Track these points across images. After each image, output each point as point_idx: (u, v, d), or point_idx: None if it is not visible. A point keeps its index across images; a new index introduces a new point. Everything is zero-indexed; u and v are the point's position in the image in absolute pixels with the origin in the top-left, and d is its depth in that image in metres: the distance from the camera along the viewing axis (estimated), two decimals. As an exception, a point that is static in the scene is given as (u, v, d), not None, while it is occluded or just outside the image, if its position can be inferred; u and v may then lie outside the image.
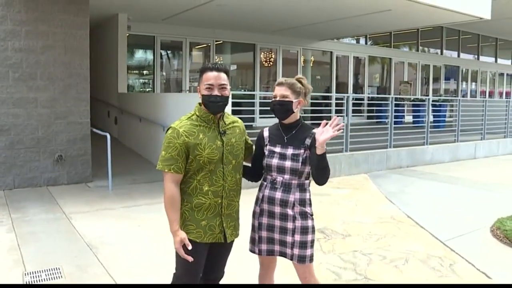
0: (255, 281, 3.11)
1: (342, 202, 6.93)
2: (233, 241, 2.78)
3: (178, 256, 2.61)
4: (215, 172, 2.58)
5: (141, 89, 13.48)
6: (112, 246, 4.81)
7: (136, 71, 13.48)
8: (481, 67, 22.09)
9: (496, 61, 22.67)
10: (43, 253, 4.58)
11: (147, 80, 13.55)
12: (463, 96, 20.78)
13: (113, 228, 5.41)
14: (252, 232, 2.92)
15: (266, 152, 2.85)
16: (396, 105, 11.57)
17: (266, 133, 2.92)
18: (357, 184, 8.28)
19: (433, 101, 14.00)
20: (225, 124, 2.68)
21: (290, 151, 2.78)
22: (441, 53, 19.96)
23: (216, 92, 2.56)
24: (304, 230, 2.78)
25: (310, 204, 2.84)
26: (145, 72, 13.57)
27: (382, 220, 6.00)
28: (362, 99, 15.62)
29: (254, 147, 2.98)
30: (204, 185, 2.58)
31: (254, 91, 14.07)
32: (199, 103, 2.66)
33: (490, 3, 11.32)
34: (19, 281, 3.93)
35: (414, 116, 14.29)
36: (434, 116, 14.38)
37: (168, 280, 2.73)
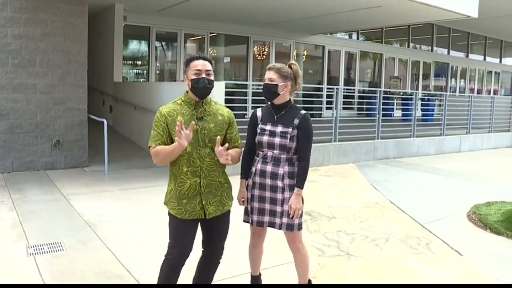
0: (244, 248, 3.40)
1: (329, 188, 7.24)
2: (227, 215, 3.01)
3: (169, 229, 2.92)
4: (192, 154, 2.81)
5: (136, 79, 13.68)
6: (110, 224, 5.08)
7: (131, 61, 13.68)
8: (470, 65, 22.48)
9: (485, 59, 23.07)
10: (44, 229, 4.84)
11: (142, 71, 13.75)
12: (452, 93, 21.15)
13: (111, 208, 5.68)
14: (246, 204, 3.22)
15: (258, 130, 3.16)
16: (385, 99, 11.90)
17: (259, 113, 3.24)
18: (345, 173, 8.60)
19: (421, 95, 14.34)
20: (205, 110, 2.89)
21: (279, 128, 3.09)
22: (432, 50, 20.31)
23: (203, 75, 2.83)
24: None
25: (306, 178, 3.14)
26: (140, 62, 13.77)
27: (366, 205, 6.31)
28: (353, 92, 15.92)
29: (248, 127, 3.27)
30: (184, 166, 2.83)
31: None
32: (186, 91, 2.93)
33: (477, 2, 11.64)
34: (23, 253, 4.18)
35: (403, 110, 14.63)
36: (423, 111, 14.75)
37: (162, 255, 2.96)
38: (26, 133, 7.41)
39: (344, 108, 12.90)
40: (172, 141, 2.82)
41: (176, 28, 13.31)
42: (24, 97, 7.34)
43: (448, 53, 21.07)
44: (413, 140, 11.06)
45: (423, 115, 14.64)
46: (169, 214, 2.92)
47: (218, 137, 2.78)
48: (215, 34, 14.34)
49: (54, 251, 4.24)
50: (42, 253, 4.19)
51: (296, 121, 3.09)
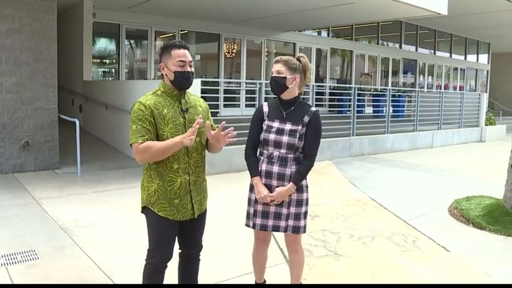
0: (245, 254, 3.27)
1: (308, 186, 7.15)
2: (205, 215, 2.88)
3: (150, 231, 2.72)
4: (180, 149, 2.63)
5: (105, 78, 13.28)
6: (86, 229, 4.85)
7: (101, 60, 13.27)
8: (437, 61, 22.90)
9: (451, 56, 23.53)
10: (16, 236, 4.56)
11: (111, 69, 13.37)
12: (420, 89, 21.47)
13: (86, 212, 5.42)
14: (248, 206, 3.07)
15: (264, 127, 2.97)
16: (358, 95, 11.94)
17: (265, 108, 3.05)
18: (322, 170, 8.55)
19: (393, 91, 14.49)
20: (186, 102, 2.73)
21: (288, 126, 2.92)
22: (400, 47, 20.57)
23: (188, 69, 2.65)
24: (299, 203, 2.97)
25: (306, 177, 3.01)
26: (110, 60, 13.38)
27: (347, 202, 6.27)
28: (324, 89, 15.95)
29: (252, 122, 3.08)
30: (174, 163, 2.64)
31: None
32: (163, 80, 2.73)
33: (447, 0, 11.83)
34: (-6, 262, 3.93)
35: (374, 106, 14.74)
36: (394, 107, 14.91)
37: (143, 259, 2.78)
38: (-8, 135, 7.04)
39: (315, 105, 12.92)
40: (158, 137, 2.62)
41: (146, 26, 12.99)
42: (-11, 96, 6.97)
43: (416, 50, 21.39)
44: (387, 136, 11.14)
45: (393, 111, 14.79)
46: (153, 216, 2.67)
47: (208, 122, 2.63)
48: (186, 31, 14.08)
49: (28, 260, 3.98)
50: (15, 263, 3.92)
51: (306, 118, 2.93)
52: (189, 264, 2.93)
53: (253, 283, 3.38)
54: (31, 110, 7.27)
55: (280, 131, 2.92)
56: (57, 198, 5.95)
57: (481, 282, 3.83)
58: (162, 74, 2.72)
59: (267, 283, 3.41)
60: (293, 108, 2.98)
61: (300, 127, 2.91)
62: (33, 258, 4.03)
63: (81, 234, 4.66)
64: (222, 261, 4.05)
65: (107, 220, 5.20)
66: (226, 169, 7.84)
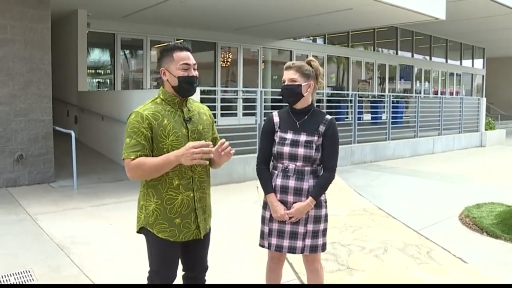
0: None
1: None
2: (209, 234, 2.64)
3: (151, 252, 2.51)
4: (183, 164, 2.37)
5: (100, 88, 13.07)
6: (84, 246, 4.61)
7: (95, 70, 13.06)
8: (433, 67, 22.86)
9: (446, 61, 23.51)
10: (9, 255, 4.31)
11: (107, 79, 13.17)
12: (417, 95, 21.35)
13: (84, 228, 5.18)
14: (262, 225, 2.84)
15: (277, 139, 2.75)
16: (358, 101, 11.79)
17: (276, 118, 2.83)
18: (326, 179, 8.34)
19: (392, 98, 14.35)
20: (189, 110, 2.49)
21: (303, 137, 2.70)
22: (396, 53, 20.51)
23: (192, 73, 2.43)
24: (317, 219, 2.75)
25: (326, 191, 2.79)
26: (105, 70, 13.17)
27: (354, 212, 6.06)
28: (322, 96, 15.79)
29: (262, 134, 2.87)
30: (174, 179, 2.39)
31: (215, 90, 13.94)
32: (163, 86, 2.50)
33: (444, 5, 11.73)
34: (-14, 285, 3.68)
35: (372, 113, 14.60)
36: (392, 113, 14.76)
37: (145, 277, 2.58)
38: (-16, 148, 6.79)
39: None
40: (157, 150, 2.36)
41: (141, 35, 12.82)
42: (-19, 109, 6.72)
43: (412, 56, 21.34)
44: (388, 143, 10.98)
45: (392, 117, 14.65)
46: (153, 237, 2.45)
47: (211, 143, 2.36)
48: (182, 40, 13.92)
49: (22, 282, 3.74)
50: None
51: (321, 128, 2.71)
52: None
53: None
54: (25, 122, 7.03)
55: (294, 143, 2.70)
56: (53, 213, 5.71)
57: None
58: (159, 81, 2.51)
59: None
60: (306, 117, 2.76)
61: (316, 138, 2.70)
62: (27, 280, 3.78)
63: (79, 252, 4.42)
64: (231, 281, 3.83)
65: (105, 236, 4.96)
66: (227, 180, 7.61)
